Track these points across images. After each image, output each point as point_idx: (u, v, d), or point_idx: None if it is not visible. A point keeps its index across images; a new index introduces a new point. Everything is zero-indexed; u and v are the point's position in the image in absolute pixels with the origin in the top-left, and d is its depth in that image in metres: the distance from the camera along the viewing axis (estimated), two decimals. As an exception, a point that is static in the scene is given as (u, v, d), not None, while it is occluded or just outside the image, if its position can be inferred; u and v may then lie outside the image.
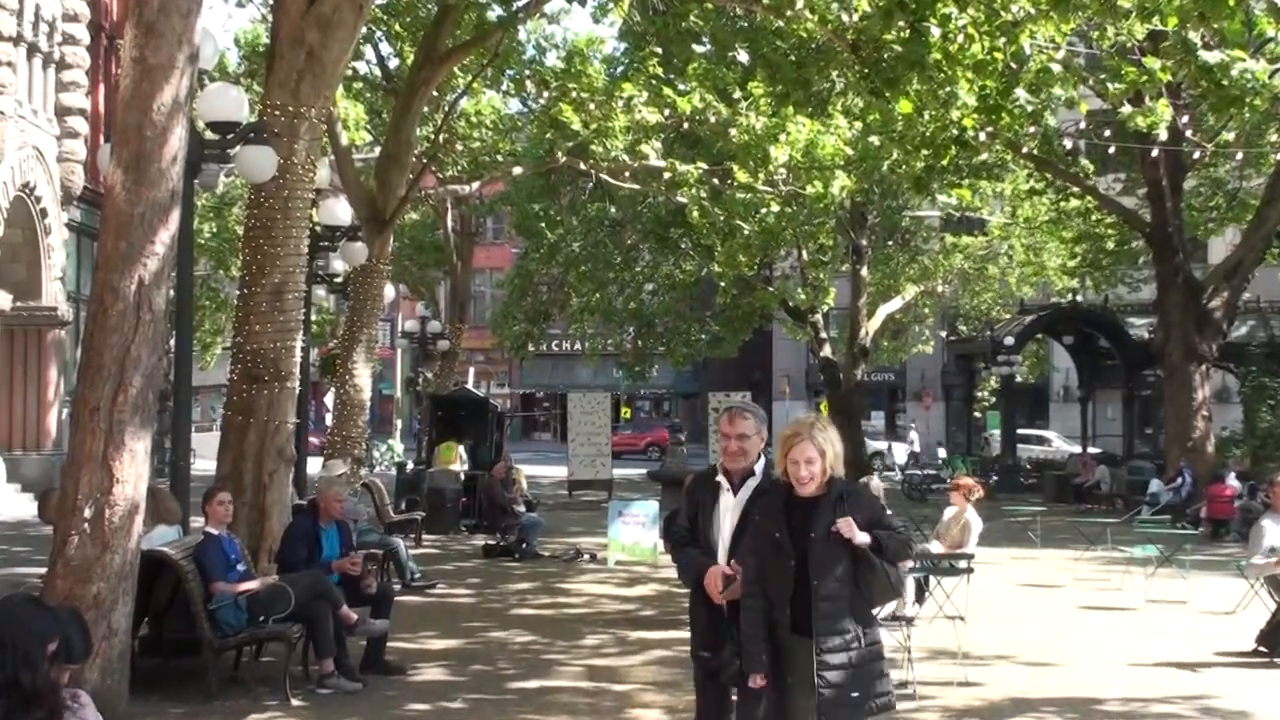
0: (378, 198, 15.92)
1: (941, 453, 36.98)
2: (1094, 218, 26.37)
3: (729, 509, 4.54)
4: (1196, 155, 20.93)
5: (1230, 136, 19.60)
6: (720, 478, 4.60)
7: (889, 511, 4.21)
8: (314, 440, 34.04)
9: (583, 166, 20.34)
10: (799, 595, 4.09)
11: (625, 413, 51.19)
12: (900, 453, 36.96)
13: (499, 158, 23.93)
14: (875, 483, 10.82)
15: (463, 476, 18.72)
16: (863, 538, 4.10)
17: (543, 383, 55.09)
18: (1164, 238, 22.56)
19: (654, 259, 29.10)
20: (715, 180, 19.07)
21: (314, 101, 10.06)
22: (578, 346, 44.61)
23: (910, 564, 4.18)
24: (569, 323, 32.87)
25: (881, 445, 38.30)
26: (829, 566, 4.08)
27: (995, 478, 27.82)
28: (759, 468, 4.56)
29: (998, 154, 20.07)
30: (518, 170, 22.35)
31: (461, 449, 19.96)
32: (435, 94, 18.96)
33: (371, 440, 35.95)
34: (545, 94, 20.20)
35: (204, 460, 15.65)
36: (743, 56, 17.06)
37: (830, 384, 29.63)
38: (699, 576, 4.52)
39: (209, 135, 9.12)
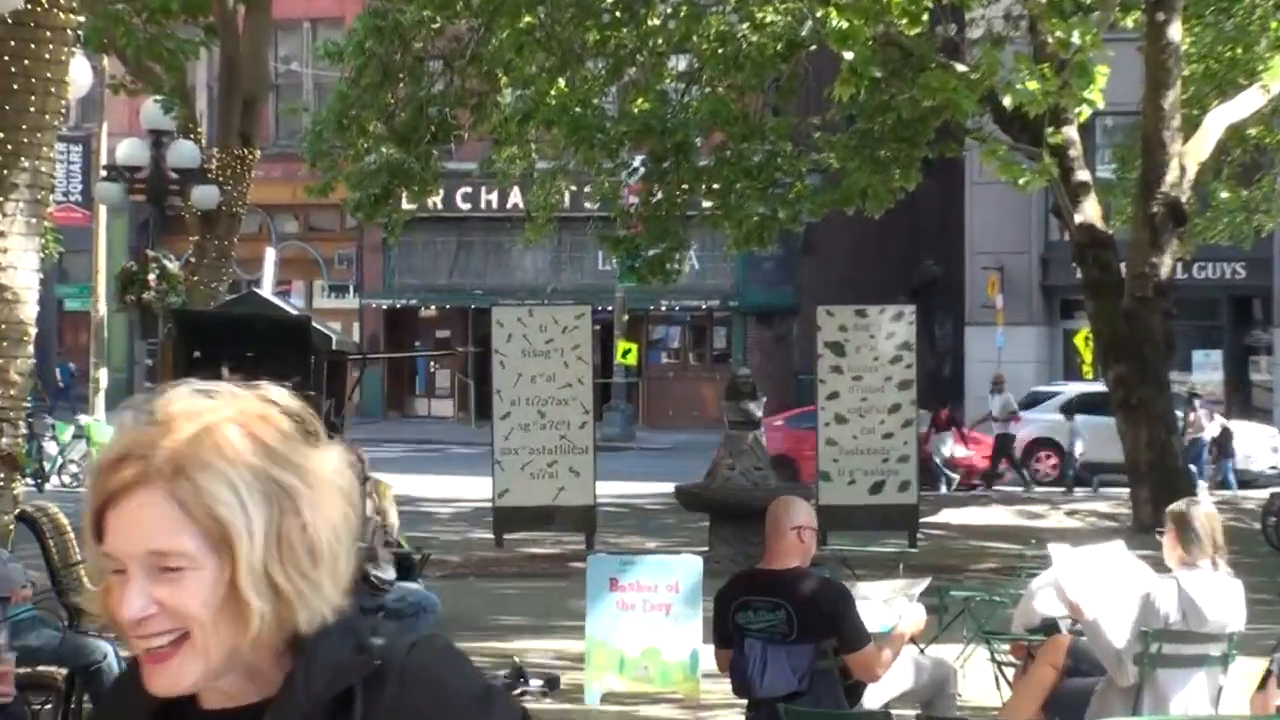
0: None
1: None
2: None
3: None
4: None
5: None
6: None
7: None
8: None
9: None
10: None
11: (626, 352, 52.06)
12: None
13: None
14: (1202, 512, 11.15)
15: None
16: None
17: (434, 284, 55.58)
18: None
19: (686, 1, 29.29)
20: None
21: None
22: (512, 203, 44.72)
23: None
24: (492, 148, 33.46)
25: (1215, 427, 39.18)
26: None
27: None
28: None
29: None
30: None
31: None
32: None
33: (44, 412, 35.82)
34: None
35: None
36: None
37: (1097, 288, 30.32)
38: None
39: None
